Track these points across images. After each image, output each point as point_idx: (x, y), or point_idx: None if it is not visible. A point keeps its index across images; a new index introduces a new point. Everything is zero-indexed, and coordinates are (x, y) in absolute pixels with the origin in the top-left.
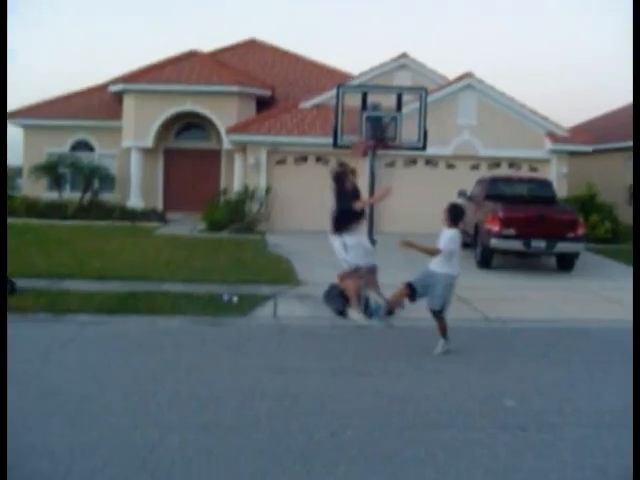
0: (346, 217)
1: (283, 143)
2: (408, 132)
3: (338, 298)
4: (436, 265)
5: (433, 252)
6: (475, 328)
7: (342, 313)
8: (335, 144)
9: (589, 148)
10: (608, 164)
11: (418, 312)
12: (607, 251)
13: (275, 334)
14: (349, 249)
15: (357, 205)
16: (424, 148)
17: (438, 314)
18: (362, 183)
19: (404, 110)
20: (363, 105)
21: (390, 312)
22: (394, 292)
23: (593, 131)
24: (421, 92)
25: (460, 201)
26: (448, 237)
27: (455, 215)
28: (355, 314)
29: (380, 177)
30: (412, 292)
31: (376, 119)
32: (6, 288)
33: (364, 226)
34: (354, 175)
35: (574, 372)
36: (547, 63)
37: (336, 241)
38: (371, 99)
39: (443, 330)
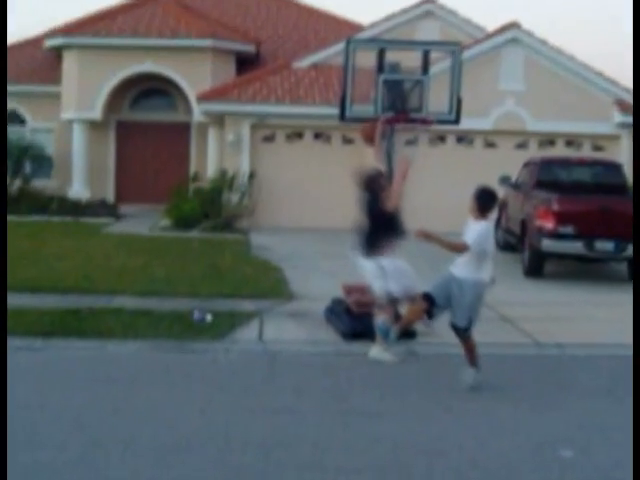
0: (383, 234)
1: (272, 114)
2: (436, 101)
3: (344, 316)
4: (461, 268)
5: (458, 248)
6: (522, 355)
7: (350, 335)
8: (342, 116)
9: None
10: None
11: (447, 334)
12: None
13: (261, 363)
14: (388, 274)
15: (388, 205)
16: (457, 121)
17: (463, 333)
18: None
19: (431, 72)
20: (379, 65)
21: (410, 334)
22: (408, 307)
23: None
24: (453, 48)
25: (502, 190)
26: (477, 232)
27: (485, 202)
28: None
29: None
30: (430, 305)
31: (395, 84)
32: (6, 289)
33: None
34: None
35: None
36: (615, 10)
37: (369, 264)
38: (389, 58)
39: (471, 355)
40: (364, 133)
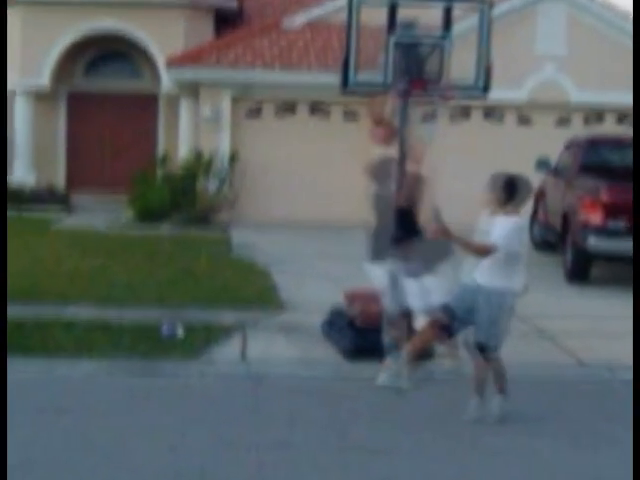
0: (396, 233)
1: (258, 83)
2: (459, 67)
3: (346, 330)
4: (487, 275)
5: (485, 251)
6: (564, 379)
7: (354, 354)
8: (344, 86)
9: None
10: None
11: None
12: None
13: (244, 389)
14: (406, 284)
15: (399, 200)
16: (485, 92)
17: (488, 353)
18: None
19: (454, 32)
20: (390, 24)
21: (425, 354)
22: (422, 326)
23: None
24: (482, 4)
25: (540, 176)
26: (507, 229)
27: (514, 192)
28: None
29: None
30: (450, 320)
31: (410, 46)
32: (6, 291)
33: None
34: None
35: None
36: None
37: (376, 270)
38: (402, 14)
39: (500, 380)
40: (373, 111)
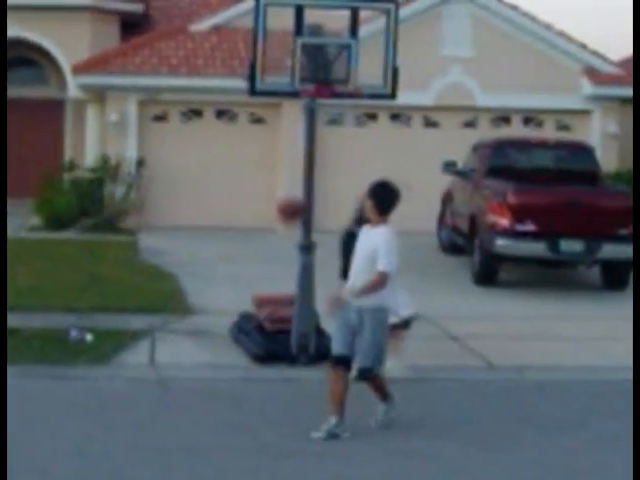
0: None
1: (164, 88)
2: (366, 70)
3: (255, 334)
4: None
5: (380, 283)
6: (473, 381)
7: (264, 358)
8: (251, 90)
9: None
10: None
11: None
12: None
13: (153, 393)
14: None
15: None
16: (392, 95)
17: (369, 374)
18: (293, 149)
19: (361, 35)
20: (296, 27)
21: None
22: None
23: None
24: (388, 6)
25: (447, 178)
26: (385, 243)
27: (384, 200)
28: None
29: (322, 142)
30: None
31: (316, 49)
32: (6, 293)
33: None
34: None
35: (629, 453)
36: None
37: None
38: (309, 17)
39: (381, 390)
40: (282, 211)
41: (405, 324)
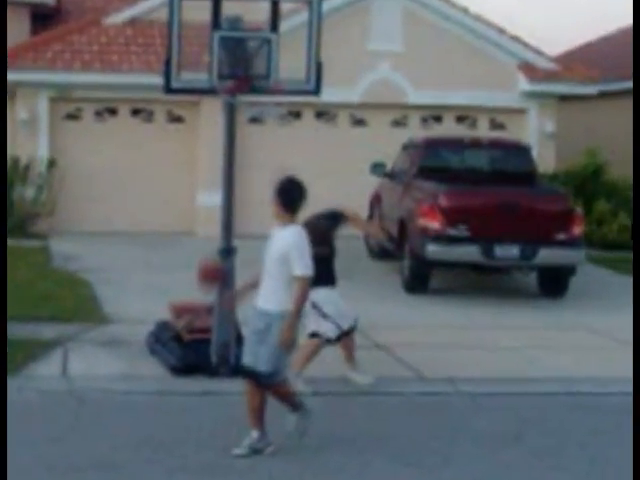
0: None
1: (77, 84)
2: (289, 65)
3: (172, 344)
4: (267, 297)
5: (305, 290)
6: (403, 394)
7: (182, 370)
8: (167, 87)
9: (593, 90)
10: (622, 115)
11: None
12: (623, 262)
13: (66, 406)
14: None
15: None
16: (316, 92)
17: (266, 380)
18: (213, 149)
19: (282, 28)
20: (214, 20)
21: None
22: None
23: (595, 61)
24: None
25: (376, 180)
26: (297, 244)
27: (292, 198)
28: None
29: (243, 141)
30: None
31: (236, 43)
32: (6, 292)
33: None
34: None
35: (570, 469)
36: None
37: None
38: (228, 9)
39: (288, 400)
40: (204, 276)
41: (347, 334)
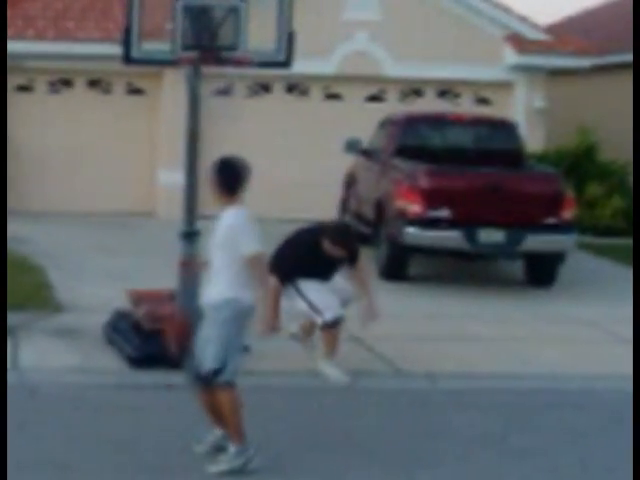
0: None
1: (29, 54)
2: (258, 35)
3: (131, 334)
4: (210, 290)
5: (261, 271)
6: (378, 390)
7: (141, 362)
8: (127, 58)
9: (586, 63)
10: (618, 91)
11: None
12: (616, 249)
13: (16, 400)
14: None
15: None
16: (287, 64)
17: (211, 380)
18: (175, 124)
19: None
20: None
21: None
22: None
23: (589, 32)
24: None
25: (351, 158)
26: (228, 224)
27: (225, 177)
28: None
29: (208, 115)
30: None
31: (201, 11)
32: (6, 291)
33: None
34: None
35: (557, 471)
36: None
37: None
38: None
39: (228, 419)
40: (177, 336)
41: (331, 325)
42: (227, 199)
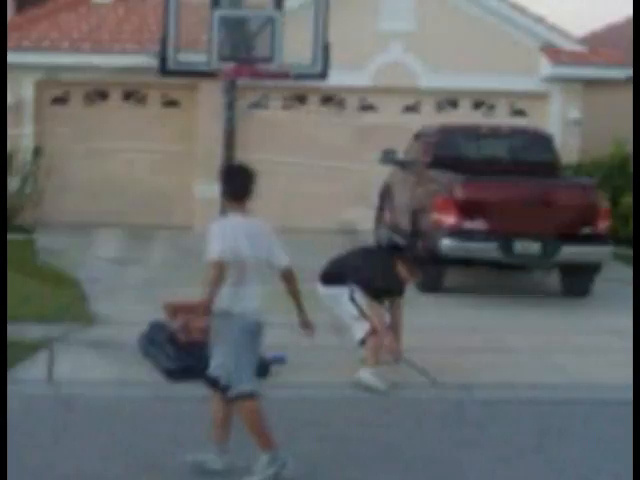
0: None
1: (64, 66)
2: (294, 47)
3: (167, 347)
4: (220, 299)
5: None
6: (414, 400)
7: (178, 374)
8: (163, 69)
9: (621, 74)
10: None
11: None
12: None
13: (52, 412)
14: None
15: None
16: (323, 75)
17: (221, 390)
18: (211, 136)
19: (287, 6)
20: None
21: (262, 370)
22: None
23: (615, 46)
24: None
25: (387, 170)
26: (267, 233)
27: (228, 185)
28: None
29: (244, 128)
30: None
31: (237, 23)
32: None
33: None
34: None
35: None
36: None
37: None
38: None
39: (256, 426)
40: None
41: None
42: (230, 206)
